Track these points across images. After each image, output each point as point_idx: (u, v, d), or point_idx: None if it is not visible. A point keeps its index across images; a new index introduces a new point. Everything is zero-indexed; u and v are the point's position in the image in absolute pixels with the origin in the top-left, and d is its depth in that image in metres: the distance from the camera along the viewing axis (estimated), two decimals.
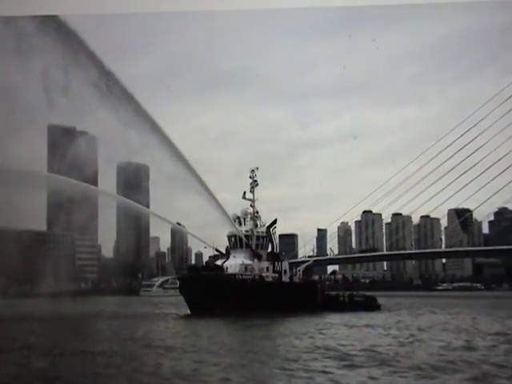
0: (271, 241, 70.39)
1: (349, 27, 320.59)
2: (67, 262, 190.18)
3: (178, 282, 67.87)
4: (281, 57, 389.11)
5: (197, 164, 62.97)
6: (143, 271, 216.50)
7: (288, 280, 68.19)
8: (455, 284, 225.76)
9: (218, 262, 66.39)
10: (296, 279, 70.88)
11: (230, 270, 63.18)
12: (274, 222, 70.67)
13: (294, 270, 73.38)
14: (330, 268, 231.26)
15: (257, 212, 69.90)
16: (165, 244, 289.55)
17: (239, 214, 69.11)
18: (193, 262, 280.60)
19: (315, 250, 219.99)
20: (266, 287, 62.32)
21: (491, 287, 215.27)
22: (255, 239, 67.71)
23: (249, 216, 69.13)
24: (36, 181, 58.21)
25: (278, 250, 71.98)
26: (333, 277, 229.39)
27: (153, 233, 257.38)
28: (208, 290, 57.15)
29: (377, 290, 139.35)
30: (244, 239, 66.69)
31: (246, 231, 67.60)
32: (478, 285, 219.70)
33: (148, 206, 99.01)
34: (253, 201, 69.30)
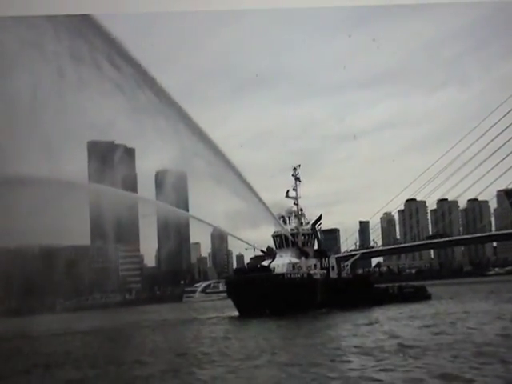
0: (317, 237, 68.90)
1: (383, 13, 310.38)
2: (111, 274, 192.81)
3: (226, 285, 66.90)
4: (309, 52, 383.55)
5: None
6: (185, 277, 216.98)
7: (336, 276, 65.97)
8: (508, 267, 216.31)
9: (265, 263, 64.95)
10: (344, 274, 68.65)
11: (278, 270, 61.92)
12: (319, 218, 69.64)
13: (342, 265, 71.17)
14: (374, 260, 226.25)
15: (301, 210, 68.68)
16: (205, 249, 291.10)
17: (283, 213, 67.63)
18: (234, 264, 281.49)
19: (358, 244, 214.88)
20: (315, 285, 60.29)
21: None
22: (301, 237, 66.08)
23: (293, 214, 67.55)
24: (78, 191, 58.09)
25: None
26: (378, 269, 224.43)
27: (193, 239, 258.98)
28: (257, 291, 56.22)
29: (424, 280, 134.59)
30: (290, 238, 65.11)
31: (292, 229, 66.50)
32: None
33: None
34: (296, 199, 67.75)
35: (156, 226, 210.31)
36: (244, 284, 58.69)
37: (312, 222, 68.12)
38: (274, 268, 62.45)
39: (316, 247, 68.05)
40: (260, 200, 63.52)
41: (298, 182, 67.34)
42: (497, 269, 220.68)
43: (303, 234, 66.40)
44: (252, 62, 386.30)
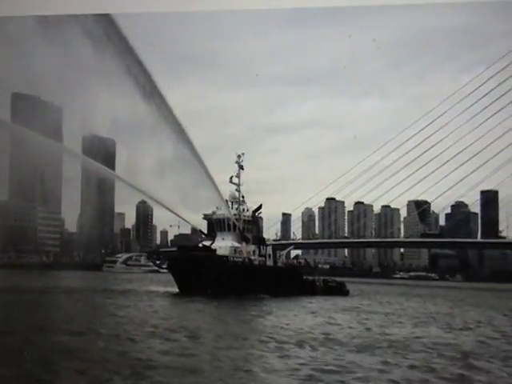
0: (257, 225, 71.99)
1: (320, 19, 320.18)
2: (28, 234, 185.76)
3: (168, 261, 67.77)
4: (246, 42, 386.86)
5: None
6: (107, 247, 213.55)
7: (272, 264, 69.95)
8: (412, 273, 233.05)
9: (206, 243, 67.02)
10: (279, 263, 72.93)
11: (220, 252, 63.56)
12: (260, 207, 72.03)
13: (278, 254, 75.30)
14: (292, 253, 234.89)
15: (243, 196, 70.91)
16: (130, 221, 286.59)
17: (227, 198, 70.03)
18: (158, 239, 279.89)
19: (279, 234, 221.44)
20: (255, 270, 63.67)
21: (445, 277, 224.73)
22: (242, 223, 68.66)
23: (235, 200, 69.82)
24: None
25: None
26: (295, 261, 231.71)
27: (118, 209, 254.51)
28: (201, 270, 57.70)
29: (337, 276, 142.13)
30: (234, 222, 67.50)
31: (234, 214, 68.49)
32: (433, 275, 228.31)
33: (113, 183, 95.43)
34: (238, 185, 70.11)
35: (80, 191, 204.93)
36: (188, 261, 59.68)
37: (253, 209, 70.52)
38: (216, 249, 64.08)
39: (255, 234, 70.23)
40: (211, 180, 65.39)
41: (240, 170, 69.38)
42: (402, 273, 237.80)
43: (244, 220, 68.73)
44: (193, 42, 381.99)
